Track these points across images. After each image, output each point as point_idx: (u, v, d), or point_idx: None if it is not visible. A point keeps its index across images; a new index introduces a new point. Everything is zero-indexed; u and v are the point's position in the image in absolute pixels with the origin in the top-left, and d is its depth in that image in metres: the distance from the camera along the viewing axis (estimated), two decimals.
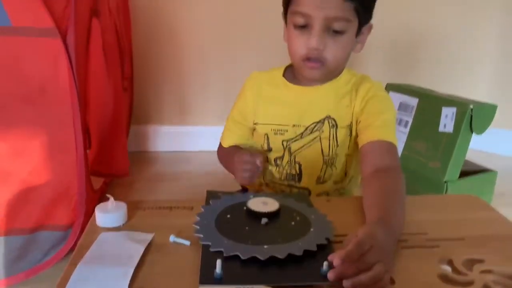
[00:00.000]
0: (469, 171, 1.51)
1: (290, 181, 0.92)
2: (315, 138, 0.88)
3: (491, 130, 1.61)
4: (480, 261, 0.61)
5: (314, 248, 0.59)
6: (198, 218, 0.66)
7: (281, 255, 0.57)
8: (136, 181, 1.69)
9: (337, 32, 0.79)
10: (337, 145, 0.88)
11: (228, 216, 0.68)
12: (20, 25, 0.95)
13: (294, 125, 0.89)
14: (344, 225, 0.67)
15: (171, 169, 1.87)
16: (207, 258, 0.58)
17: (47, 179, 1.03)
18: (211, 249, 0.59)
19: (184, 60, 1.95)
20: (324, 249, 0.60)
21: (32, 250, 1.05)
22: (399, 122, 1.63)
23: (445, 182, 1.42)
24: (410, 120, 1.59)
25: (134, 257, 0.59)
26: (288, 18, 0.84)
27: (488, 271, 0.59)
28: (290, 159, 0.91)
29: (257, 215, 0.67)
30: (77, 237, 1.08)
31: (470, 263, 0.60)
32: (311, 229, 0.64)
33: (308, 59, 0.81)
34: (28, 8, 0.95)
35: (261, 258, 0.56)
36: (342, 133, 0.87)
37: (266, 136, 0.92)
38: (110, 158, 1.42)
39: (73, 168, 1.06)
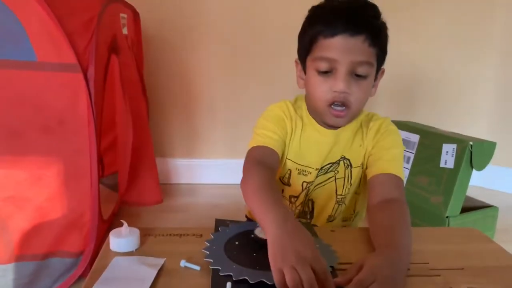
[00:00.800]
0: (471, 207, 1.53)
1: (302, 218, 0.94)
2: (329, 178, 0.90)
3: (492, 168, 1.65)
4: None
5: None
6: (207, 244, 0.69)
7: None
8: (144, 212, 1.70)
9: (360, 76, 0.80)
10: (351, 185, 0.90)
11: (237, 243, 0.70)
12: (45, 61, 1.01)
13: (317, 169, 0.89)
14: (348, 254, 0.69)
15: (179, 201, 1.88)
16: (217, 281, 0.60)
17: (61, 206, 1.06)
18: (221, 273, 0.61)
19: (193, 95, 2.00)
20: None
21: (43, 277, 1.07)
22: None
23: (447, 217, 1.44)
24: (412, 156, 1.63)
25: (146, 280, 0.61)
26: (309, 65, 0.83)
27: None
28: (305, 199, 0.93)
29: (264, 243, 0.68)
30: (87, 264, 1.10)
31: None
32: None
33: (333, 103, 0.81)
34: (53, 44, 1.01)
35: (269, 282, 0.58)
36: (355, 172, 0.89)
37: (289, 172, 0.91)
38: (142, 187, 1.44)
39: (86, 196, 1.09)
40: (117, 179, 1.63)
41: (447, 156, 1.49)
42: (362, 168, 0.90)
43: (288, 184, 0.92)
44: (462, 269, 0.68)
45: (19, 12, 0.99)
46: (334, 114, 0.81)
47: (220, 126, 2.03)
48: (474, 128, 2.02)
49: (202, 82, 1.99)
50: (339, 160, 0.89)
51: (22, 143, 1.03)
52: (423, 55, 2.05)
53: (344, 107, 0.81)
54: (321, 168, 0.89)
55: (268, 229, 0.64)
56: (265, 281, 0.59)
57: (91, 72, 1.05)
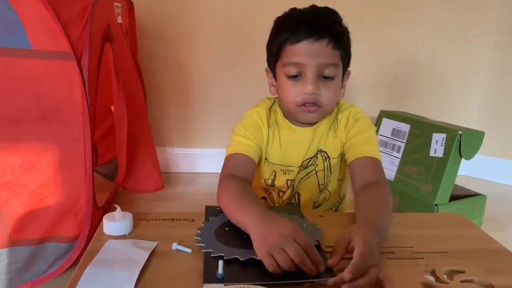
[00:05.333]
0: (459, 196, 1.56)
1: None
2: (310, 172, 0.94)
3: (480, 157, 1.67)
4: (461, 272, 0.65)
5: None
6: (199, 232, 0.71)
7: None
8: (136, 200, 1.72)
9: (327, 78, 0.85)
10: (331, 173, 0.95)
11: (226, 229, 0.73)
12: (40, 49, 1.03)
13: (298, 166, 0.94)
14: (335, 237, 0.72)
15: (175, 189, 1.90)
16: (209, 261, 0.63)
17: (56, 192, 1.08)
18: (212, 255, 0.63)
19: (188, 85, 2.01)
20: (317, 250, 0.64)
21: (38, 261, 1.09)
22: (392, 147, 1.69)
23: (436, 205, 1.47)
24: (403, 145, 1.65)
25: (139, 262, 0.63)
26: (279, 71, 0.89)
27: (468, 281, 0.63)
28: (292, 193, 0.97)
29: None
30: (82, 249, 1.12)
31: (452, 273, 0.64)
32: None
33: (304, 104, 0.86)
34: (47, 33, 1.02)
35: (258, 258, 0.61)
36: (334, 163, 0.94)
37: (274, 173, 0.96)
38: (142, 174, 1.46)
39: (81, 183, 1.11)
40: (112, 168, 1.64)
41: (437, 145, 1.51)
42: (341, 157, 0.94)
43: (273, 185, 0.97)
44: (445, 252, 0.71)
45: (13, 0, 1.00)
46: (305, 110, 0.87)
47: (216, 116, 2.04)
48: (465, 118, 2.04)
49: (198, 72, 2.00)
50: (316, 154, 0.93)
51: (18, 130, 1.04)
52: (415, 46, 2.06)
53: (315, 107, 0.86)
54: (301, 164, 0.94)
55: (249, 227, 0.67)
56: (255, 257, 0.61)
57: (85, 60, 1.07)
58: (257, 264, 0.61)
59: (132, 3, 1.70)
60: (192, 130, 2.08)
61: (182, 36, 1.95)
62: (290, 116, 0.93)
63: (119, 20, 1.44)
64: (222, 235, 0.70)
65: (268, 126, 0.93)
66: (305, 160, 0.93)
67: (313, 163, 0.93)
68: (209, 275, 0.59)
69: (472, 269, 0.65)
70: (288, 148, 0.94)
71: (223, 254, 0.63)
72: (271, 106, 0.96)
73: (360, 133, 0.90)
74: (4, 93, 1.03)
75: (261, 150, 0.93)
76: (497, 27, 2.02)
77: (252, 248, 0.64)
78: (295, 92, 0.86)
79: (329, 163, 0.93)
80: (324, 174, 0.94)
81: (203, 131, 2.08)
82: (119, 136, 1.43)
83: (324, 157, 0.93)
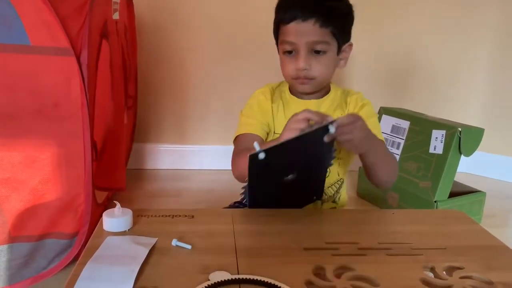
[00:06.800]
0: (459, 192, 1.57)
1: None
2: None
3: (480, 154, 1.68)
4: (460, 268, 0.65)
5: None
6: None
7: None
8: (137, 197, 1.73)
9: (319, 52, 0.94)
10: (336, 148, 1.00)
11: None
12: (38, 44, 1.02)
13: None
14: (336, 234, 0.73)
15: (171, 186, 1.90)
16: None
17: (56, 188, 1.08)
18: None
19: (185, 81, 2.02)
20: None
21: (38, 257, 1.09)
22: (392, 144, 1.69)
23: (435, 201, 1.48)
24: (402, 142, 1.65)
25: (138, 258, 0.63)
26: (279, 47, 1.00)
27: (468, 277, 0.63)
28: None
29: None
30: (81, 245, 1.12)
31: (451, 269, 0.64)
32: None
33: (298, 78, 0.97)
34: (46, 28, 1.02)
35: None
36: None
37: None
38: (110, 172, 1.46)
39: (80, 179, 1.10)
40: None
41: (436, 142, 1.51)
42: None
43: None
44: (445, 248, 0.71)
45: None
46: (299, 82, 0.98)
47: (213, 113, 2.05)
48: (464, 115, 2.04)
49: (197, 69, 2.00)
50: None
51: (17, 126, 1.04)
52: (415, 43, 2.06)
53: (308, 79, 0.97)
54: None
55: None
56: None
57: (84, 56, 1.06)
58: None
59: (131, 0, 1.69)
60: (190, 127, 2.08)
61: (181, 33, 1.96)
62: (292, 88, 1.04)
63: (116, 16, 1.43)
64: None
65: (272, 101, 1.03)
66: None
67: None
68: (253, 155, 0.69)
69: (471, 265, 0.65)
70: None
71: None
72: (277, 86, 1.08)
73: (368, 117, 0.96)
74: (2, 89, 1.02)
75: (268, 126, 1.03)
76: (496, 23, 2.03)
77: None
78: (289, 67, 0.97)
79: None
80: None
81: (202, 128, 2.08)
82: (99, 134, 1.42)
83: None
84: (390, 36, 2.03)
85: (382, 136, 0.99)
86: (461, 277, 0.63)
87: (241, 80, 2.01)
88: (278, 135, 1.00)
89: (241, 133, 1.01)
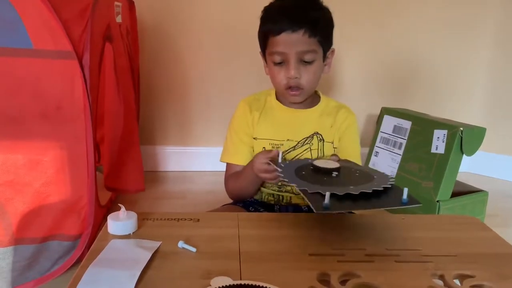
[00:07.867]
0: (461, 192, 1.56)
1: (283, 184, 1.08)
2: (305, 149, 1.07)
3: (482, 154, 1.67)
4: (471, 276, 0.63)
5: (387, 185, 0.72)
6: (281, 175, 0.78)
7: (369, 190, 0.68)
8: (140, 199, 1.73)
9: (307, 62, 0.98)
10: (323, 155, 1.08)
11: (303, 172, 0.78)
12: (41, 48, 1.03)
13: (288, 140, 1.06)
14: (343, 239, 0.73)
15: (176, 187, 1.91)
16: (311, 196, 0.68)
17: (59, 191, 1.08)
18: (310, 191, 0.68)
19: (188, 83, 2.02)
20: (392, 189, 0.72)
21: (42, 259, 1.10)
22: (393, 144, 1.69)
23: (438, 201, 1.48)
24: (404, 142, 1.65)
25: (141, 262, 0.63)
26: (268, 57, 1.03)
27: (479, 286, 0.61)
28: None
29: (325, 171, 0.78)
30: (85, 247, 1.13)
31: (461, 278, 0.63)
32: (375, 177, 0.76)
33: (289, 87, 1.01)
34: (48, 32, 1.02)
35: (355, 193, 0.67)
36: (327, 147, 1.08)
37: (264, 149, 1.06)
38: (125, 174, 1.47)
39: (84, 181, 1.11)
40: None
41: (438, 142, 1.51)
42: (333, 144, 1.08)
43: None
44: (455, 256, 0.69)
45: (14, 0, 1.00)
46: (291, 94, 1.03)
47: (216, 114, 2.05)
48: (466, 114, 2.04)
49: (199, 71, 2.01)
50: (313, 135, 1.07)
51: (21, 128, 1.05)
52: (416, 43, 2.06)
53: (299, 90, 1.01)
54: (298, 142, 1.06)
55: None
56: (352, 192, 0.67)
57: (86, 59, 1.07)
58: (351, 198, 0.67)
59: (133, 3, 1.70)
60: (192, 128, 2.08)
61: (183, 35, 1.96)
62: (281, 96, 1.09)
63: (119, 19, 1.44)
64: (303, 178, 0.76)
65: (251, 111, 1.09)
66: (302, 139, 1.06)
67: (309, 142, 1.07)
68: (317, 203, 0.65)
69: (482, 274, 0.63)
70: (281, 124, 1.08)
71: (320, 191, 0.67)
72: (263, 94, 1.13)
73: (352, 142, 1.09)
74: (5, 93, 1.03)
75: (251, 136, 1.09)
76: (497, 23, 2.03)
77: (342, 186, 0.70)
78: (280, 76, 1.01)
79: (323, 145, 1.07)
80: (318, 154, 1.07)
81: (204, 130, 2.08)
82: (110, 136, 1.43)
83: (319, 139, 1.07)
84: (392, 37, 2.03)
85: (360, 159, 1.08)
86: (472, 286, 0.61)
87: (243, 82, 2.01)
88: (257, 141, 1.08)
89: (231, 163, 1.10)
